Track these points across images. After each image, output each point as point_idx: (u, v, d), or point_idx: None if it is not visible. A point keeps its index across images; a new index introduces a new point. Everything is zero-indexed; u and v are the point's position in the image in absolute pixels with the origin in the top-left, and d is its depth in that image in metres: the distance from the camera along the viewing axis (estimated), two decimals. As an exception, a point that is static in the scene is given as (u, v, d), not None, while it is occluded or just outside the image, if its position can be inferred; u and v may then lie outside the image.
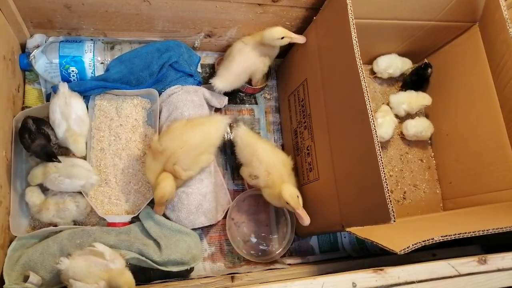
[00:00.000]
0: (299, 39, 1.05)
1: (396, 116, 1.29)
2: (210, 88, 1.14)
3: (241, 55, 1.10)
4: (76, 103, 0.99)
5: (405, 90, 1.29)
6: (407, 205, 1.26)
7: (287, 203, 0.93)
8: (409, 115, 1.30)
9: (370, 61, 1.32)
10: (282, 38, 1.05)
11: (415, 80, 1.28)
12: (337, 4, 0.89)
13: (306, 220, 0.91)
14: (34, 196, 0.93)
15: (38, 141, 0.92)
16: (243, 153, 1.04)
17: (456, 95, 1.20)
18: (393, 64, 1.26)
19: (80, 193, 0.98)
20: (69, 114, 0.96)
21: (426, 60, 1.26)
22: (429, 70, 1.25)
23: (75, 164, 0.95)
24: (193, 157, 0.95)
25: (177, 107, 1.05)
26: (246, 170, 1.04)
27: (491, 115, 1.06)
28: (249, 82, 1.18)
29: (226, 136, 1.19)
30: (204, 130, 0.98)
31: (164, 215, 1.00)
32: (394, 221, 0.73)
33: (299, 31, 1.15)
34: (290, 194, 0.93)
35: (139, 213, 1.00)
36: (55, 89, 1.00)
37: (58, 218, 0.95)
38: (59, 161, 0.92)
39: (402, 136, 1.31)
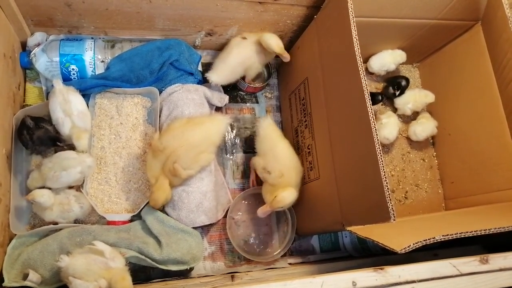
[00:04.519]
0: (286, 58, 1.08)
1: (403, 115, 1.30)
2: (210, 86, 1.14)
3: (239, 48, 1.10)
4: (75, 98, 0.98)
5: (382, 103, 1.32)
6: (409, 204, 1.25)
7: (274, 202, 0.96)
8: (415, 113, 1.30)
9: (371, 60, 1.31)
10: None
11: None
12: (338, 3, 0.88)
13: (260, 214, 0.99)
14: (45, 196, 0.90)
15: (40, 131, 0.92)
16: (262, 144, 1.05)
17: (458, 94, 1.20)
18: (385, 62, 1.26)
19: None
20: (70, 111, 0.96)
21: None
22: (404, 83, 1.27)
23: (65, 157, 0.94)
24: (193, 156, 0.95)
25: (177, 106, 1.05)
26: (260, 161, 1.04)
27: (493, 114, 1.06)
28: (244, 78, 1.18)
29: (226, 135, 1.18)
30: (204, 129, 0.98)
31: (165, 213, 1.00)
32: (394, 220, 0.72)
33: (300, 29, 1.15)
34: (287, 201, 0.96)
35: (139, 211, 1.00)
36: (54, 87, 0.99)
37: (61, 218, 0.94)
38: (64, 145, 0.93)
39: (406, 137, 1.31)
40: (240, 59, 1.10)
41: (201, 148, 0.96)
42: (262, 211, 0.98)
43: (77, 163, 0.94)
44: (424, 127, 1.25)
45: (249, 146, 1.17)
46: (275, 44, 1.06)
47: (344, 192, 0.88)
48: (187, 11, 1.04)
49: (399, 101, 1.28)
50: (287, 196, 0.96)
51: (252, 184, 1.13)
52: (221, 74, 1.10)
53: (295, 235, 1.11)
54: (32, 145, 0.93)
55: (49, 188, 0.96)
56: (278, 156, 1.01)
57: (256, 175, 1.10)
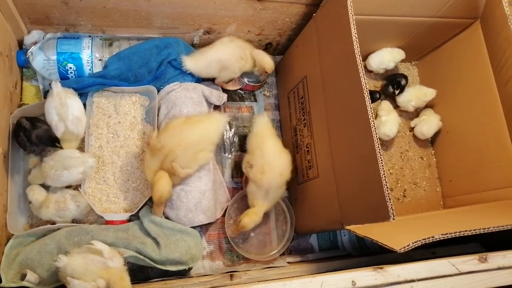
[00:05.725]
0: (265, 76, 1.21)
1: (405, 112, 1.31)
2: (208, 85, 1.13)
3: (221, 45, 1.10)
4: (72, 102, 0.97)
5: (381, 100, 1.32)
6: (407, 203, 1.25)
7: (239, 227, 0.98)
8: (417, 110, 1.31)
9: (370, 58, 1.31)
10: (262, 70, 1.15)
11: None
12: (337, 1, 0.88)
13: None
14: (36, 194, 0.92)
15: (39, 129, 0.92)
16: (252, 140, 1.05)
17: (456, 92, 1.20)
18: (384, 60, 1.26)
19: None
20: (66, 115, 0.95)
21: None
22: (403, 82, 1.27)
23: (67, 155, 0.94)
24: (192, 155, 0.94)
25: (175, 105, 1.04)
26: (247, 156, 1.04)
27: (492, 112, 1.06)
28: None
29: (225, 133, 1.18)
30: (203, 128, 0.97)
31: (163, 213, 1.00)
32: (394, 220, 0.72)
33: (299, 27, 1.14)
34: (247, 224, 0.97)
35: (137, 211, 1.00)
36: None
37: (58, 217, 0.94)
38: (61, 147, 0.93)
39: (412, 134, 1.31)
40: (218, 56, 1.09)
41: (199, 147, 0.95)
42: (232, 233, 1.05)
43: (80, 162, 0.93)
44: (429, 125, 1.25)
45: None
46: (270, 63, 1.12)
47: (343, 191, 0.88)
48: (185, 9, 1.03)
49: (401, 99, 1.28)
50: (248, 223, 0.98)
51: (244, 182, 1.13)
52: (195, 63, 1.08)
53: (293, 234, 1.11)
54: (30, 146, 0.92)
55: (48, 187, 0.96)
56: (264, 153, 1.00)
57: None
